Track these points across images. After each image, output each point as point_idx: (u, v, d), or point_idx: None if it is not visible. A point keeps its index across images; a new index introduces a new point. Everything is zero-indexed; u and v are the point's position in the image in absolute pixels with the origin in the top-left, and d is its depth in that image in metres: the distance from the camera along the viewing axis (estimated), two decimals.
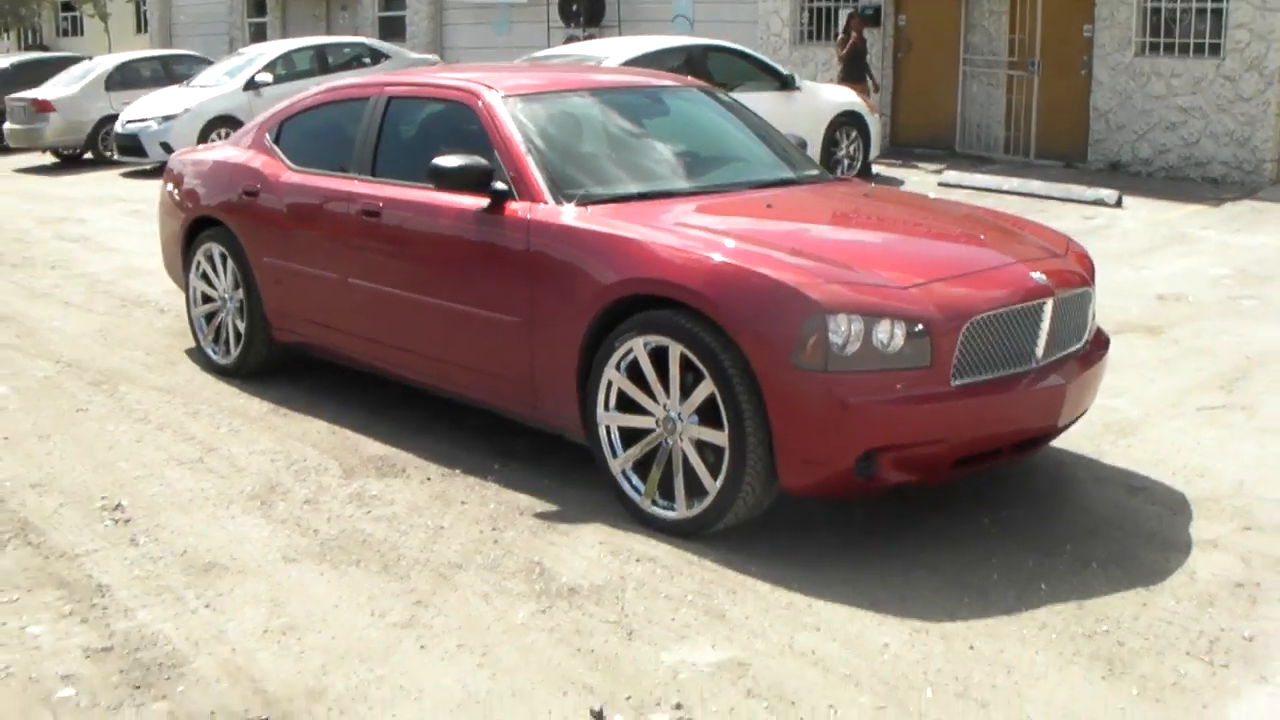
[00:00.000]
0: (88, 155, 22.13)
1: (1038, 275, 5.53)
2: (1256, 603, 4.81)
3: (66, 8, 45.00)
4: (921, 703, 4.13)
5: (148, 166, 19.82)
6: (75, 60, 25.32)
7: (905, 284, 5.19)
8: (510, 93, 6.62)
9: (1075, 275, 5.82)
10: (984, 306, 5.21)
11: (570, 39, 22.86)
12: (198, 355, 8.33)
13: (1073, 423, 5.81)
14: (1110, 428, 6.80)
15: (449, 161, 6.11)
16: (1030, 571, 5.09)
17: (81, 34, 44.51)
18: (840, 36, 18.78)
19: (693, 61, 14.97)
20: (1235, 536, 5.44)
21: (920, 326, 5.01)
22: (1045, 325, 5.42)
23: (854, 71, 18.17)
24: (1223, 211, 14.26)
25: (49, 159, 22.50)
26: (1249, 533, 5.49)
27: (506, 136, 6.31)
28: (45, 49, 43.40)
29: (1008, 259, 5.73)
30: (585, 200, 6.00)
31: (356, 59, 22.44)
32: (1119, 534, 5.48)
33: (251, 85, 20.40)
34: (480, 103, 6.55)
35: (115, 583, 5.02)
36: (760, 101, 12.83)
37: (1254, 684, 4.24)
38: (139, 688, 4.22)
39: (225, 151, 8.38)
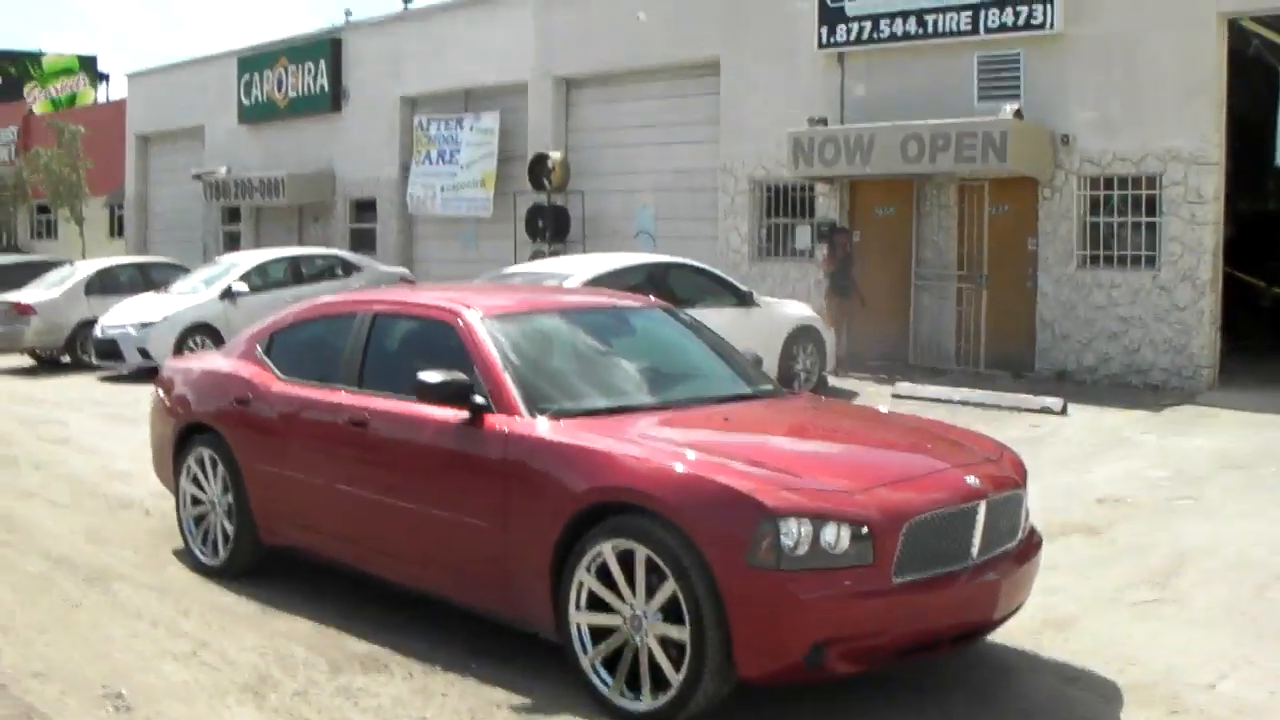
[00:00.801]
0: (66, 358, 22.45)
1: (972, 479, 6.09)
2: None
3: (42, 210, 45.86)
4: None
5: (125, 371, 20.24)
6: (56, 264, 25.82)
7: (850, 489, 5.73)
8: (488, 313, 7.22)
9: (1008, 479, 6.38)
10: (922, 509, 5.75)
11: (536, 254, 23.50)
12: (185, 556, 8.69)
13: (1009, 615, 6.30)
14: (1048, 623, 7.25)
15: (432, 377, 6.66)
16: None
17: (56, 237, 45.30)
18: (825, 252, 19.33)
19: (654, 278, 15.53)
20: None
21: (864, 528, 5.54)
22: (979, 525, 5.95)
23: (842, 285, 18.77)
24: (1163, 416, 14.90)
25: (27, 361, 22.88)
26: (1175, 716, 5.95)
27: (485, 354, 6.87)
28: (19, 250, 44.18)
29: (944, 465, 6.31)
30: (558, 414, 6.54)
31: (329, 270, 23.12)
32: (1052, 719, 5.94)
33: (228, 294, 20.92)
34: (460, 321, 7.13)
35: None
36: (720, 317, 13.44)
37: None
38: None
39: (216, 361, 8.90)
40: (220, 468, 8.30)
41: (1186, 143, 16.67)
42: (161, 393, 9.18)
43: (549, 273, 15.30)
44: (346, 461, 7.42)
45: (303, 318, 8.57)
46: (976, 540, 5.93)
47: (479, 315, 7.16)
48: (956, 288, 19.19)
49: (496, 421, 6.57)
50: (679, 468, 5.83)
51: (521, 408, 6.57)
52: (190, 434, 8.63)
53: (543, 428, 6.43)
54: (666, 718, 5.70)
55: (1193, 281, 16.72)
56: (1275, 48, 17.33)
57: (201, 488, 8.50)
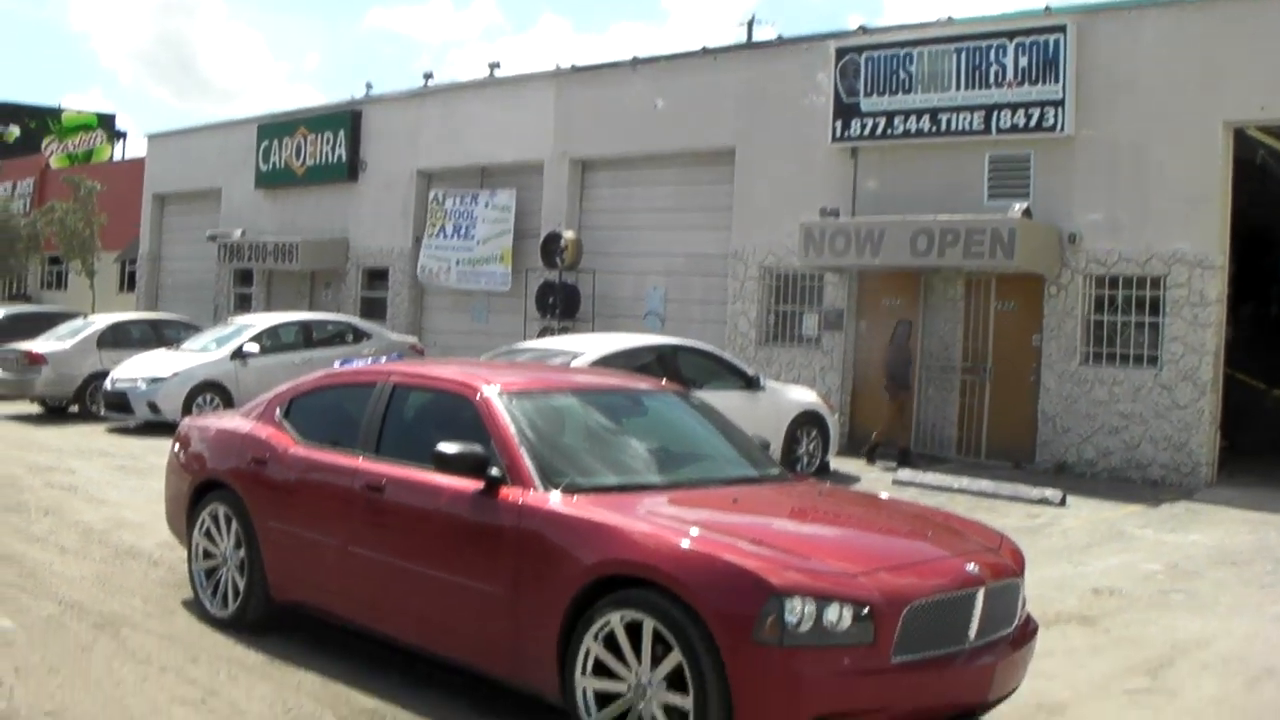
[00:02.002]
0: (74, 408, 22.71)
1: (972, 567, 6.29)
2: None
3: (54, 261, 46.26)
4: None
5: (132, 424, 20.52)
6: (69, 316, 26.11)
7: (853, 572, 5.93)
8: (506, 389, 7.46)
9: (1006, 568, 6.59)
10: (923, 593, 5.96)
11: (545, 330, 23.83)
12: (194, 606, 8.84)
13: (1004, 698, 6.47)
14: (1041, 707, 7.41)
15: (450, 448, 6.90)
16: None
17: (65, 288, 45.66)
18: (889, 345, 19.27)
19: (663, 359, 15.76)
20: None
21: (865, 609, 5.74)
22: (977, 611, 6.15)
23: (904, 377, 18.85)
24: (1160, 511, 15.07)
25: (35, 409, 23.09)
26: None
27: (502, 428, 7.11)
28: (29, 299, 44.56)
29: (945, 552, 6.51)
30: (570, 489, 6.76)
31: (339, 336, 23.45)
32: None
33: (239, 354, 21.20)
34: (479, 396, 7.37)
35: None
36: (726, 400, 13.59)
37: None
38: None
39: (234, 421, 9.10)
40: (234, 524, 8.48)
41: (1191, 246, 17.00)
42: (178, 448, 9.38)
43: (560, 350, 15.50)
44: (361, 525, 7.61)
45: (323, 384, 8.81)
46: (974, 625, 6.12)
47: (497, 391, 7.40)
48: (960, 379, 19.45)
49: (511, 493, 6.78)
50: (689, 545, 6.03)
51: (536, 481, 6.79)
52: (205, 490, 8.83)
53: (556, 501, 6.64)
54: None
55: (1194, 381, 16.97)
56: None
57: (214, 542, 8.66)
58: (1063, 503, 15.17)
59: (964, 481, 16.19)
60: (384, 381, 8.09)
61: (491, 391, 7.39)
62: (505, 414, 7.21)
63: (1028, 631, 6.70)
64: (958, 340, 19.56)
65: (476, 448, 6.93)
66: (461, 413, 7.39)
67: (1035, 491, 15.57)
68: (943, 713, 6.08)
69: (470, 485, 6.93)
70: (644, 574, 6.02)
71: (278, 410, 8.71)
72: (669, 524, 6.33)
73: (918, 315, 19.88)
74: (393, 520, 7.45)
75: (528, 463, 6.90)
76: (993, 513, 13.48)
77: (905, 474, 16.88)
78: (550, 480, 6.81)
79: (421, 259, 28.33)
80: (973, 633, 6.11)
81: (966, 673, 6.07)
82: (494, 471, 6.87)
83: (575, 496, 6.68)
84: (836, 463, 17.82)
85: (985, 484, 16.07)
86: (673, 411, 8.42)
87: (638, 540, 6.18)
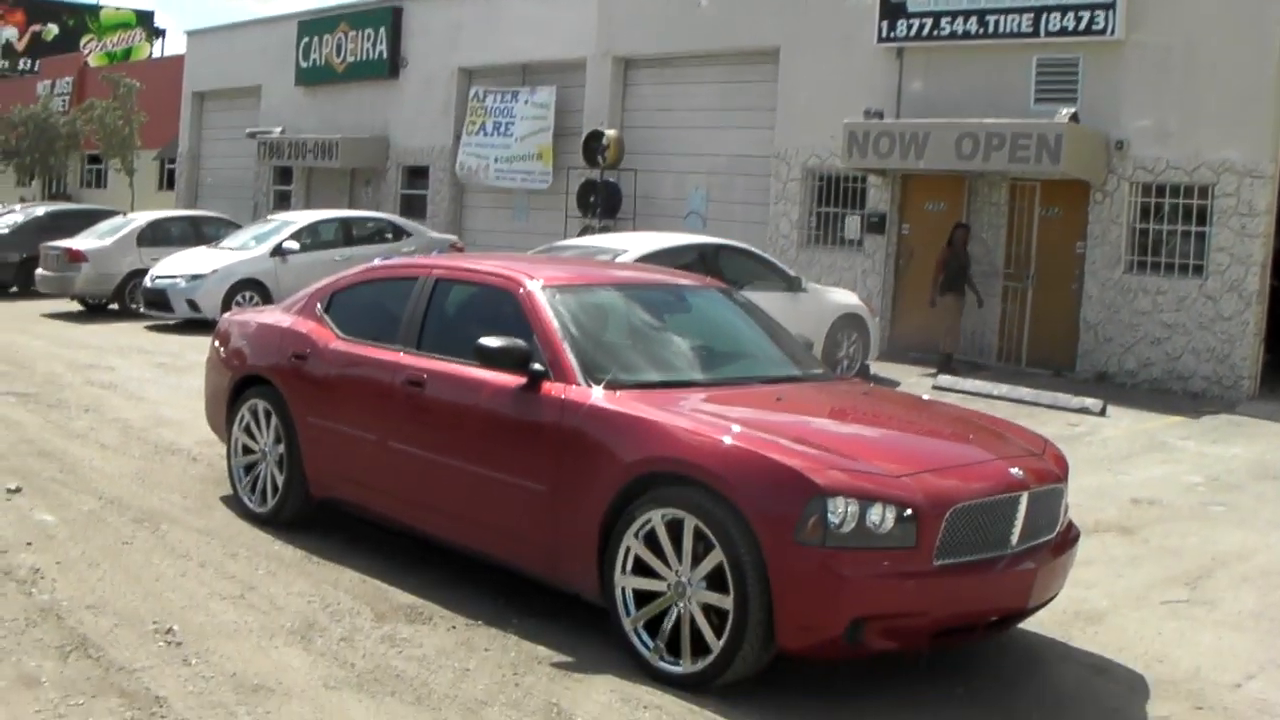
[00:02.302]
0: (114, 306, 22.77)
1: (1016, 471, 6.22)
2: None
3: (93, 160, 46.32)
4: None
5: (171, 321, 20.58)
6: (108, 214, 26.10)
7: (897, 473, 5.86)
8: (549, 283, 7.37)
9: (1050, 473, 6.51)
10: (966, 496, 5.89)
11: (586, 229, 23.67)
12: (233, 503, 8.89)
13: (1043, 605, 6.44)
14: (1080, 616, 7.39)
15: (493, 342, 6.83)
16: None
17: (105, 186, 45.77)
18: (944, 248, 18.83)
19: (705, 259, 15.55)
20: (1186, 714, 6.06)
21: (909, 511, 5.67)
22: (1020, 515, 6.07)
23: (958, 283, 18.49)
24: (1201, 423, 14.96)
25: (75, 306, 23.16)
26: (1199, 712, 6.10)
27: (545, 323, 7.02)
28: (68, 198, 44.67)
29: (989, 455, 6.43)
30: (613, 384, 6.68)
31: (379, 233, 23.32)
32: (1079, 708, 6.09)
33: (278, 252, 21.15)
34: (522, 290, 7.29)
35: (171, 695, 5.56)
36: (767, 301, 13.35)
37: None
38: None
39: (275, 316, 9.06)
40: (274, 419, 8.48)
41: (1241, 155, 16.70)
42: (218, 344, 9.36)
43: (603, 248, 15.36)
44: (401, 420, 7.58)
45: (363, 279, 8.74)
46: (1016, 530, 6.06)
47: (540, 285, 7.31)
48: (1002, 285, 19.27)
49: (553, 388, 6.72)
50: (732, 442, 5.98)
51: (579, 376, 6.72)
52: (245, 385, 8.81)
53: (599, 397, 6.58)
54: (705, 682, 5.86)
55: (1239, 292, 16.77)
56: None
57: (253, 437, 8.67)
58: (1103, 412, 15.07)
59: (1004, 389, 16.10)
60: (426, 276, 8.01)
61: (535, 286, 7.31)
62: (549, 308, 7.13)
63: (1069, 538, 6.64)
64: (1000, 246, 19.36)
65: (519, 342, 6.86)
66: (504, 307, 7.31)
67: (1075, 400, 15.49)
68: (983, 618, 6.05)
69: (512, 380, 6.87)
70: (686, 471, 5.98)
71: (319, 305, 8.66)
72: (712, 421, 6.27)
73: (961, 219, 19.61)
74: (433, 416, 7.42)
75: (571, 358, 6.83)
76: (1032, 420, 13.36)
77: (945, 380, 16.81)
78: (593, 376, 6.74)
79: (460, 156, 28.18)
80: (1015, 538, 6.05)
81: (1008, 578, 6.01)
82: (536, 366, 6.80)
83: (618, 392, 6.61)
84: (876, 366, 17.76)
85: (1025, 392, 15.97)
86: (716, 308, 8.33)
87: (680, 437, 6.13)
